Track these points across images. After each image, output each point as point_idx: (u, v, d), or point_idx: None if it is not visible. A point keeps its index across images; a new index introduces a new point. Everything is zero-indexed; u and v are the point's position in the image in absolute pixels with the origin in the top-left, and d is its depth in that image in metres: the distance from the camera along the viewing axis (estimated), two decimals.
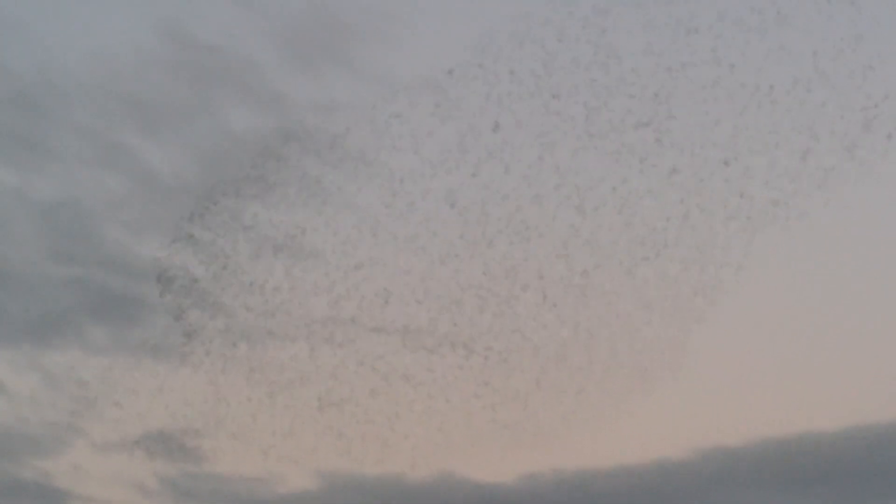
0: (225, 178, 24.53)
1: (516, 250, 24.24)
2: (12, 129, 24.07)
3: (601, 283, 24.04)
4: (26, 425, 26.36)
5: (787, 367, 26.83)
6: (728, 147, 22.52)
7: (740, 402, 26.38)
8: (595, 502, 26.00)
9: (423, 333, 24.25)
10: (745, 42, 22.23)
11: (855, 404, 26.05)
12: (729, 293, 23.78)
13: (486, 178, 24.74)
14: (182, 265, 24.91)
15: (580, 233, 24.11)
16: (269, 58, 23.30)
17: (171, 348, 25.52)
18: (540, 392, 24.23)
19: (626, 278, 23.95)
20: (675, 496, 26.13)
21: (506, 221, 24.41)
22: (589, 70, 22.57)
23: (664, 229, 23.44)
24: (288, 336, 25.01)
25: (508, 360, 24.17)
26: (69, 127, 23.92)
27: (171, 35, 23.22)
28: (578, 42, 22.60)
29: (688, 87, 22.24)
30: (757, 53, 22.46)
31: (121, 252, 24.87)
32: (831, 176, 22.41)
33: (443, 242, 24.88)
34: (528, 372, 24.08)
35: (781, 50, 22.13)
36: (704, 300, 23.70)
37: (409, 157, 24.77)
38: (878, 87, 22.36)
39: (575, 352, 24.10)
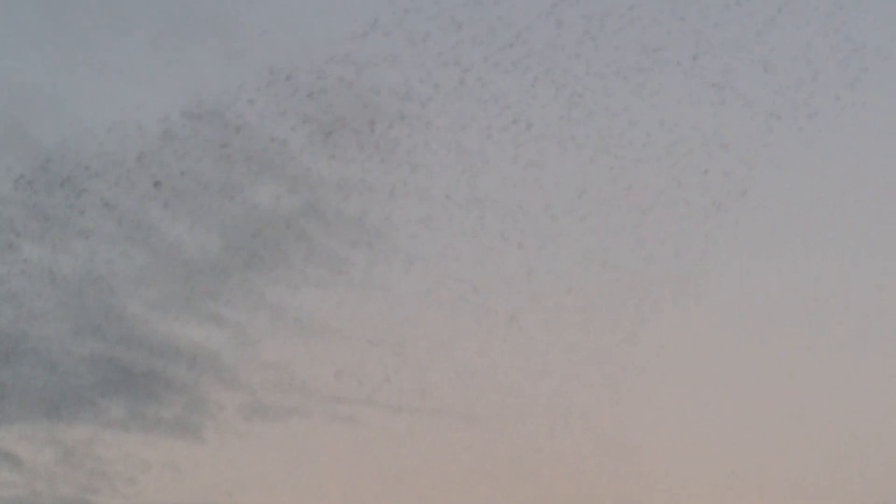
0: (247, 254, 24.73)
1: (538, 332, 24.43)
2: (38, 203, 24.21)
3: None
4: (41, 499, 26.22)
5: None
6: None
7: None
8: None
9: (445, 414, 24.34)
10: None
11: None
12: None
13: (505, 264, 25.02)
14: (202, 341, 25.00)
15: (604, 317, 24.39)
16: (297, 137, 23.51)
17: (188, 424, 25.52)
18: (558, 476, 24.23)
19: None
20: None
21: (526, 298, 24.61)
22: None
23: None
24: (305, 413, 25.05)
25: (528, 443, 24.24)
26: (95, 202, 24.04)
27: (199, 112, 23.43)
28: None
29: None
30: None
31: (141, 328, 24.84)
32: None
33: (466, 321, 25.10)
34: (549, 452, 24.08)
35: None
36: None
37: (431, 239, 25.05)
38: None
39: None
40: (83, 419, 25.55)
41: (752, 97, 24.63)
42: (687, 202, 24.65)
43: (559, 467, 24.41)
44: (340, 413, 24.46)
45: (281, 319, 24.51)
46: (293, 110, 23.42)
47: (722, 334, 25.67)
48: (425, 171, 23.68)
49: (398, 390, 24.82)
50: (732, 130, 24.68)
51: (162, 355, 24.91)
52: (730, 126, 24.62)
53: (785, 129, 24.50)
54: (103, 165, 24.26)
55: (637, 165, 24.27)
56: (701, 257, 24.74)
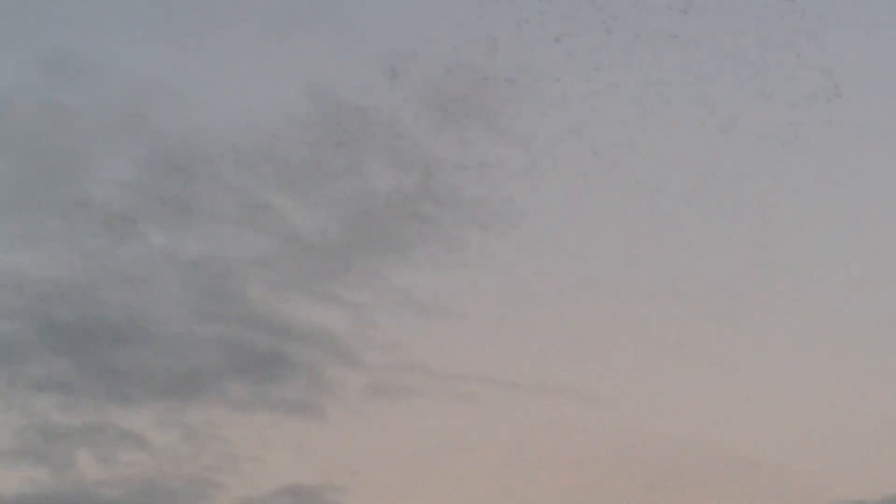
0: (367, 236, 25.01)
1: (655, 313, 24.51)
2: (162, 189, 24.60)
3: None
4: (167, 479, 26.78)
5: None
6: None
7: None
8: None
9: (561, 391, 24.49)
10: None
11: None
12: None
13: (630, 239, 25.08)
14: (323, 323, 25.33)
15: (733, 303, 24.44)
16: (414, 118, 23.64)
17: (311, 404, 25.91)
18: (683, 450, 24.35)
19: None
20: None
21: (650, 278, 24.68)
22: None
23: None
24: (425, 392, 25.32)
25: (648, 418, 24.34)
26: (216, 187, 24.38)
27: (317, 96, 23.62)
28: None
29: None
30: None
31: (264, 310, 25.22)
32: None
33: (583, 301, 25.19)
34: (672, 430, 24.19)
35: None
36: None
37: (548, 219, 25.15)
38: None
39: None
40: (207, 400, 26.03)
41: None
42: None
43: (677, 446, 24.46)
44: (459, 391, 24.64)
45: (400, 300, 24.72)
46: (411, 94, 23.52)
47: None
48: (543, 152, 23.68)
49: (516, 368, 24.93)
50: None
51: (284, 337, 25.27)
52: None
53: None
54: (224, 152, 24.60)
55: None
56: None
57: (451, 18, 24.00)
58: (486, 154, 24.52)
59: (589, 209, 24.51)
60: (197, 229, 25.18)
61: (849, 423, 24.87)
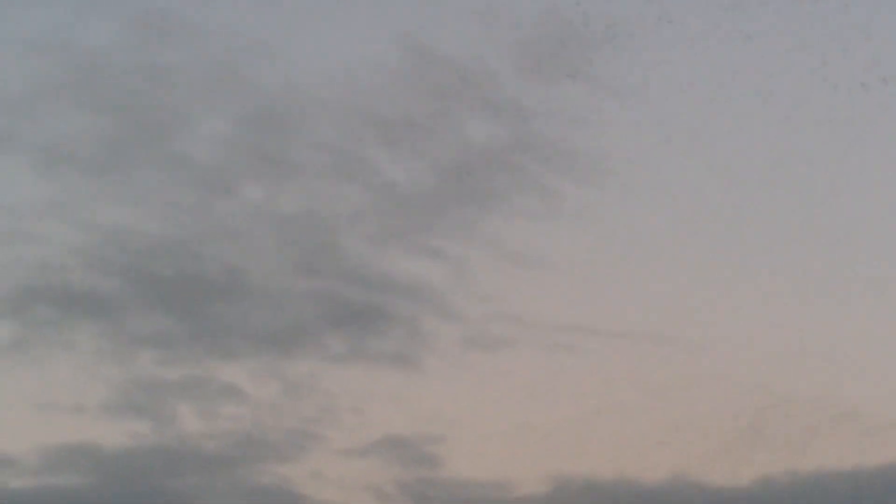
0: (461, 188, 25.08)
1: (757, 256, 24.44)
2: (258, 145, 24.80)
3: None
4: (268, 432, 27.17)
5: None
6: None
7: None
8: None
9: (657, 340, 24.52)
10: None
11: None
12: None
13: (724, 189, 25.01)
14: (419, 275, 25.48)
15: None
16: (507, 69, 23.64)
17: (408, 356, 26.11)
18: (776, 397, 24.31)
19: None
20: None
21: (747, 228, 24.62)
22: None
23: None
24: (521, 342, 25.44)
25: (743, 366, 24.32)
26: (312, 142, 24.56)
27: (410, 49, 23.67)
28: None
29: None
30: None
31: (360, 263, 25.38)
32: None
33: (677, 250, 25.18)
34: (766, 378, 24.18)
35: None
36: None
37: (646, 167, 25.13)
38: None
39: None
40: (306, 354, 26.31)
41: None
42: None
43: (775, 394, 24.37)
44: (554, 341, 24.69)
45: (495, 252, 24.77)
46: (504, 43, 23.50)
47: None
48: (637, 102, 23.64)
49: (611, 317, 24.97)
50: None
51: (381, 289, 25.44)
52: None
53: None
54: (319, 107, 24.76)
55: None
56: None
57: None
58: (580, 105, 24.48)
59: (682, 160, 24.42)
60: (293, 184, 25.42)
61: None
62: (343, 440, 26.89)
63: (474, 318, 25.19)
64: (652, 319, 25.19)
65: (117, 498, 30.64)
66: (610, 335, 25.01)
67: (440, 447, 27.07)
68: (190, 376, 27.64)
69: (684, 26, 23.69)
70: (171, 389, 27.96)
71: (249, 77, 24.68)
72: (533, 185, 24.43)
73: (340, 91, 24.17)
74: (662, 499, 25.79)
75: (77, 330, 27.37)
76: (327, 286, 25.63)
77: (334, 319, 25.70)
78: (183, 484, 30.00)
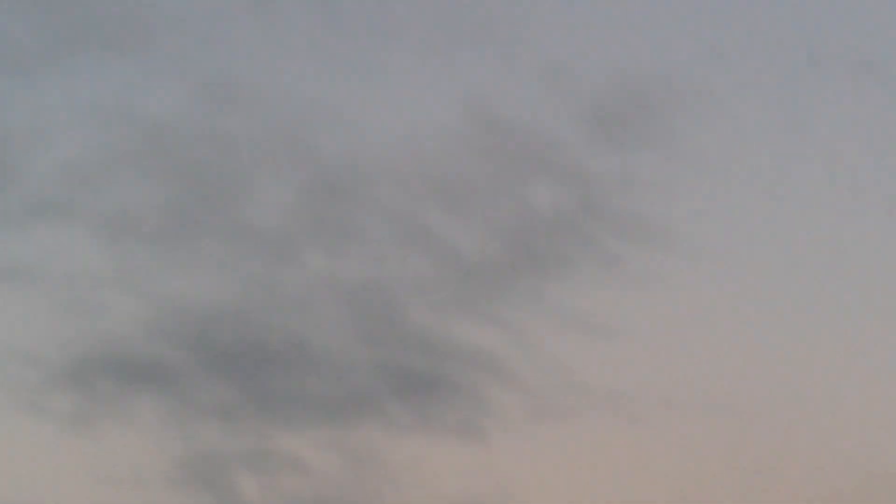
0: (526, 255, 24.81)
1: (831, 333, 23.88)
2: (321, 212, 24.69)
3: None
4: (329, 503, 26.93)
5: None
6: None
7: None
8: None
9: (732, 411, 24.04)
10: None
11: None
12: None
13: (794, 255, 24.50)
14: (483, 343, 25.17)
15: None
16: (572, 133, 23.52)
17: (472, 426, 25.75)
18: (876, 472, 23.70)
19: None
20: None
21: (817, 293, 24.07)
22: None
23: None
24: (586, 412, 25.01)
25: (833, 439, 23.75)
26: (375, 209, 24.44)
27: (474, 114, 23.58)
28: None
29: None
30: None
31: (423, 331, 25.16)
32: None
33: (750, 317, 24.65)
34: (863, 451, 23.55)
35: None
36: None
37: (715, 235, 24.73)
38: None
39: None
40: (368, 423, 26.00)
41: None
42: None
43: (860, 466, 24.02)
44: (624, 411, 24.34)
45: (561, 319, 24.49)
46: (570, 107, 23.35)
47: None
48: (708, 167, 23.41)
49: (680, 387, 24.56)
50: None
51: (444, 358, 25.13)
52: None
53: None
54: (382, 173, 24.62)
55: None
56: None
57: (613, 31, 23.81)
58: (647, 170, 24.23)
59: (752, 226, 24.21)
60: (356, 252, 25.22)
61: None
62: None
63: (539, 388, 24.79)
64: (726, 389, 24.74)
65: None
66: (681, 405, 24.51)
67: None
68: (252, 447, 27.46)
69: (757, 90, 23.53)
70: (233, 461, 27.78)
71: (312, 144, 24.64)
72: (599, 252, 24.18)
73: (404, 157, 24.08)
74: None
75: (139, 401, 27.20)
76: (390, 355, 25.40)
77: (397, 389, 25.43)
78: None
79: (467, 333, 25.21)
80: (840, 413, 24.61)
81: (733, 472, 24.63)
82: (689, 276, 24.44)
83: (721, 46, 22.97)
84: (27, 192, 27.70)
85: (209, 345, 26.21)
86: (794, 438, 24.54)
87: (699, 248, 24.43)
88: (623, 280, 24.45)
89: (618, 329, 24.74)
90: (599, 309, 24.58)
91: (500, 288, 24.41)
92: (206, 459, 27.66)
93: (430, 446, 26.03)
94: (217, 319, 26.26)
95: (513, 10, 24.80)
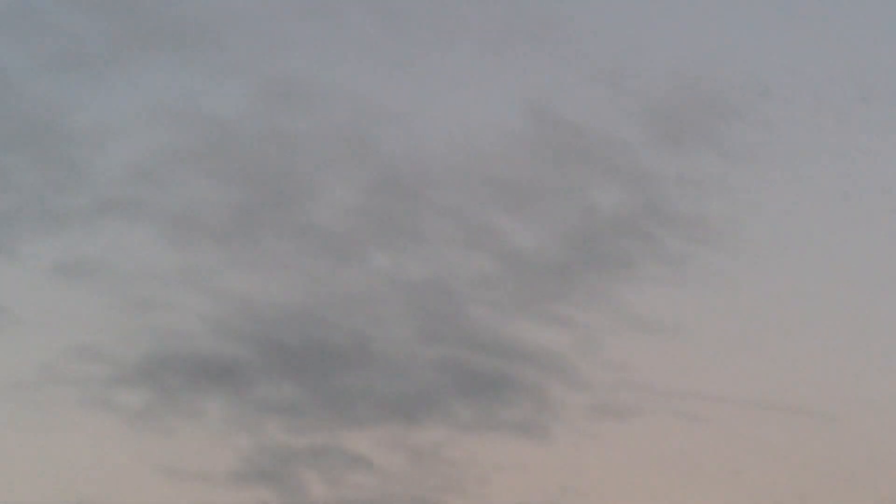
0: (589, 255, 25.03)
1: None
2: (384, 212, 24.98)
3: None
4: (393, 501, 27.36)
5: None
6: None
7: None
8: None
9: (790, 410, 24.18)
10: None
11: None
12: None
13: (853, 253, 24.51)
14: (546, 343, 25.46)
15: None
16: (634, 134, 23.63)
17: (535, 425, 26.04)
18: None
19: None
20: None
21: (880, 292, 24.07)
22: None
23: None
24: (649, 411, 25.22)
25: (884, 440, 23.77)
26: (438, 209, 24.67)
27: (536, 115, 23.73)
28: None
29: None
30: None
31: (486, 331, 25.42)
32: None
33: (811, 317, 24.74)
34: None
35: None
36: None
37: (778, 235, 24.80)
38: None
39: None
40: (432, 422, 26.36)
41: None
42: None
43: None
44: (685, 410, 24.41)
45: (624, 319, 24.65)
46: (632, 109, 23.46)
47: None
48: (770, 166, 23.45)
49: (743, 386, 24.63)
50: None
51: (508, 357, 25.39)
52: None
53: None
54: (445, 174, 24.90)
55: None
56: None
57: (674, 32, 23.89)
58: (710, 170, 24.32)
59: (814, 225, 24.22)
60: (420, 251, 25.57)
61: None
62: None
63: (602, 387, 25.03)
64: (785, 388, 24.77)
65: None
66: (742, 404, 24.59)
67: None
68: (317, 444, 27.98)
69: (818, 90, 23.51)
70: (297, 457, 28.30)
71: (376, 144, 24.95)
72: (661, 252, 24.27)
73: (466, 158, 24.29)
74: None
75: (205, 397, 27.75)
76: (453, 354, 25.73)
77: (460, 387, 25.76)
78: None
79: (530, 332, 25.44)
80: (888, 415, 24.62)
81: (795, 471, 24.70)
82: (751, 275, 24.47)
83: (780, 47, 22.95)
84: (96, 191, 28.22)
85: (275, 343, 26.60)
86: (860, 438, 24.53)
87: (761, 247, 24.47)
88: (685, 280, 24.55)
89: (680, 328, 24.85)
90: (662, 308, 24.71)
91: (563, 288, 24.60)
92: (271, 455, 28.02)
93: (493, 444, 26.29)
94: (282, 317, 26.64)
95: (575, 11, 24.93)
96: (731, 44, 22.67)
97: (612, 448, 25.55)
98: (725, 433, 24.72)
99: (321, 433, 27.40)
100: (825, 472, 24.04)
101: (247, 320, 26.60)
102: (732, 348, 24.44)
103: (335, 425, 26.96)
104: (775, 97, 23.55)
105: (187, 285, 27.66)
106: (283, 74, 25.57)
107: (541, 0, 24.47)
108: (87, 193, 27.92)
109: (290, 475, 28.00)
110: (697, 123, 22.52)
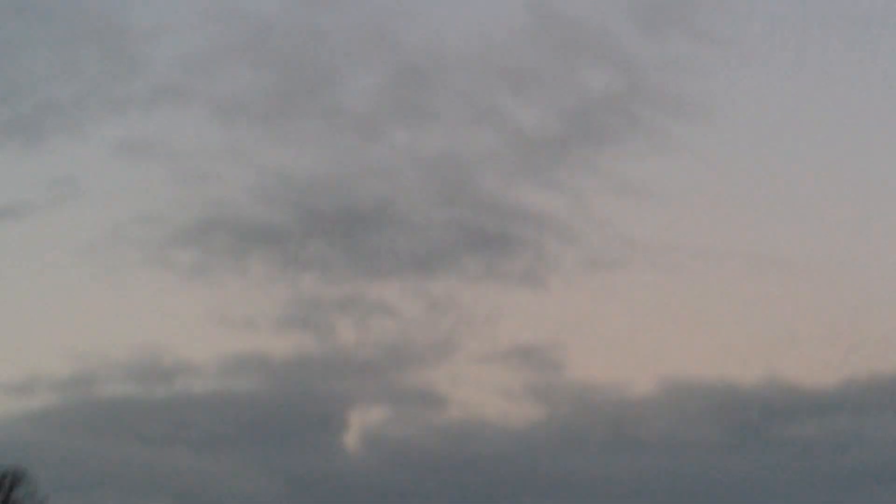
0: (584, 130, 28.61)
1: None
2: (404, 95, 28.47)
3: None
4: (413, 342, 31.62)
5: None
6: None
7: None
8: None
9: (755, 259, 28.03)
10: None
11: None
12: None
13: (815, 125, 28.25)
14: (545, 205, 29.19)
15: None
16: (622, 24, 26.88)
17: (535, 276, 29.99)
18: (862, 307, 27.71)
19: None
20: None
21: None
22: None
23: None
24: (635, 263, 29.14)
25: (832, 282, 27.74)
26: (451, 92, 28.11)
27: (537, 9, 27.00)
28: None
29: None
30: None
31: (493, 196, 29.22)
32: None
33: (775, 180, 28.60)
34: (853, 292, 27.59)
35: None
36: None
37: (749, 111, 28.43)
38: None
39: None
40: (446, 274, 30.47)
41: None
42: None
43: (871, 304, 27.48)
44: (664, 262, 28.22)
45: (612, 184, 28.46)
46: (621, 3, 26.76)
47: None
48: (741, 48, 26.86)
49: (716, 243, 28.32)
50: None
51: (511, 219, 29.39)
52: None
53: None
54: (456, 61, 28.46)
55: None
56: None
57: None
58: (687, 53, 27.87)
59: (782, 101, 27.51)
60: (435, 129, 29.22)
61: None
62: (478, 349, 31.29)
63: (592, 243, 29.08)
64: (750, 241, 28.55)
65: (284, 399, 35.48)
66: (712, 256, 28.61)
67: (563, 354, 31.28)
68: (346, 295, 32.17)
69: None
70: (330, 306, 32.53)
71: (396, 37, 28.41)
72: (645, 127, 27.83)
73: (476, 47, 27.67)
74: (756, 398, 29.09)
75: (249, 256, 31.97)
76: (464, 216, 29.67)
77: (470, 245, 29.73)
78: (340, 387, 34.91)
79: (531, 197, 29.36)
80: (869, 265, 28.22)
81: (754, 308, 28.50)
82: (724, 146, 28.27)
83: None
84: (152, 79, 31.94)
85: (309, 208, 30.48)
86: (823, 287, 28.35)
87: (735, 122, 28.04)
88: (666, 150, 28.37)
89: (661, 192, 28.73)
90: (646, 175, 28.67)
91: (559, 159, 28.52)
92: (307, 305, 32.23)
93: (498, 293, 30.35)
94: (315, 187, 30.44)
95: None
96: None
97: (601, 295, 29.64)
98: (701, 283, 28.60)
99: (350, 285, 31.62)
100: (786, 312, 27.87)
101: (284, 189, 30.51)
102: (707, 209, 28.11)
103: (362, 278, 31.14)
104: None
105: (233, 160, 31.70)
106: None
107: None
108: (145, 82, 31.66)
109: (323, 322, 32.27)
110: (678, 12, 25.77)
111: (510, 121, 28.52)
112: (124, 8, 32.37)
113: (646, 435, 35.81)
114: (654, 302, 30.67)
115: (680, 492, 30.15)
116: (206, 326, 37.21)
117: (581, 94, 28.09)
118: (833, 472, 29.33)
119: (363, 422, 41.93)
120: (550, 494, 37.69)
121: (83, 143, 34.66)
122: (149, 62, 33.33)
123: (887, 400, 28.44)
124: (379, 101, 29.46)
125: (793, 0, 28.16)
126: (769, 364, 29.16)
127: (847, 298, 27.99)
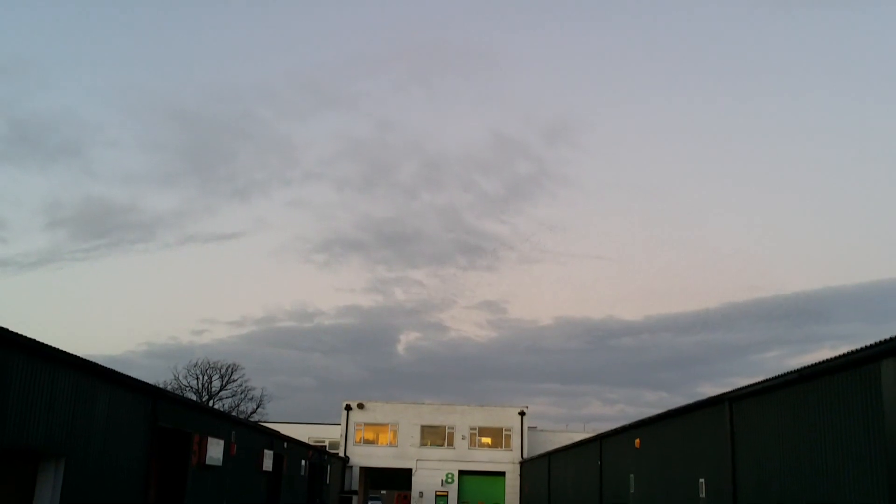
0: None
1: None
2: None
3: None
4: (432, 300, 64.50)
5: None
6: None
7: None
8: None
9: None
10: None
11: None
12: None
13: None
14: (499, 231, 41.42)
15: None
16: None
17: (494, 266, 53.92)
18: None
19: None
20: None
21: None
22: None
23: None
24: (543, 261, 41.84)
25: None
26: None
27: None
28: None
29: None
30: None
31: (474, 226, 45.76)
32: None
33: None
34: None
35: None
36: None
37: None
38: None
39: None
40: (450, 266, 47.52)
41: None
42: None
43: None
44: (565, 262, 41.41)
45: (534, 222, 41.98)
46: None
47: None
48: None
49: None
50: None
51: (482, 237, 44.94)
52: None
53: None
54: None
55: None
56: None
57: None
58: None
59: None
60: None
61: None
62: (465, 303, 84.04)
63: (523, 250, 47.16)
64: None
65: (368, 328, 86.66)
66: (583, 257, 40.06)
67: (507, 305, 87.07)
68: (398, 276, 77.16)
69: None
70: (390, 282, 73.62)
71: None
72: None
73: None
74: (636, 329, 72.29)
75: (348, 257, 55.31)
76: (460, 237, 58.10)
77: (462, 251, 47.96)
78: (396, 322, 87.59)
79: (491, 227, 52.70)
80: None
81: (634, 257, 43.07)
82: None
83: None
84: None
85: None
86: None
87: None
88: None
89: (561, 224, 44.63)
90: (552, 214, 44.82)
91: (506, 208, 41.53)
92: (378, 281, 76.73)
93: (475, 275, 68.52)
94: None
95: None
96: None
97: (529, 278, 46.76)
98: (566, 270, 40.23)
99: (398, 272, 51.31)
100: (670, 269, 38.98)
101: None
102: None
103: (406, 268, 55.10)
104: None
105: None
106: None
107: None
108: None
109: (387, 289, 72.39)
110: None
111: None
112: None
113: (545, 345, 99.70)
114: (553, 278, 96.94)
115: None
116: (329, 291, 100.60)
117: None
118: None
119: (406, 340, 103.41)
120: (499, 377, 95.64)
121: None
122: None
123: None
124: None
125: None
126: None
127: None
